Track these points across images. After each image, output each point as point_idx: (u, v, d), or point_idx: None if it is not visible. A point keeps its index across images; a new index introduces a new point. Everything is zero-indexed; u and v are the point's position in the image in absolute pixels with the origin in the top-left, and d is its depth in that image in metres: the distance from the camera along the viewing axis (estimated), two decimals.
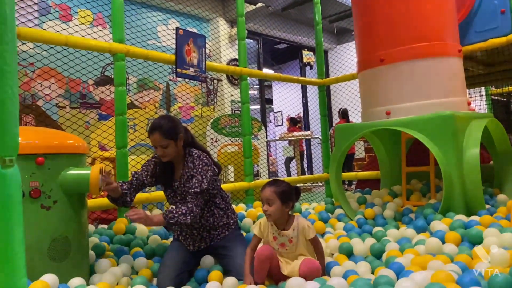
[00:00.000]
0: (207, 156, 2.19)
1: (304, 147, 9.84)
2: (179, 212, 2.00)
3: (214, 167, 2.19)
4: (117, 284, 1.98)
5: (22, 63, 5.33)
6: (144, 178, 2.22)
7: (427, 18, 3.06)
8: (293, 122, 9.76)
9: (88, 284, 1.91)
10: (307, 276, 1.75)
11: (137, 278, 1.94)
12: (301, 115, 11.34)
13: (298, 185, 6.99)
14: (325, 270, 2.00)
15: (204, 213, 2.19)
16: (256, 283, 1.86)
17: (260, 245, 2.00)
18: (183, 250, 2.19)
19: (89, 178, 1.91)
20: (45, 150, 1.86)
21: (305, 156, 9.83)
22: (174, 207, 2.06)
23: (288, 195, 1.91)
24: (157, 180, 2.26)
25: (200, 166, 2.12)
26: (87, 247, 2.10)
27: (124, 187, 2.16)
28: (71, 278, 1.85)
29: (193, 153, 2.17)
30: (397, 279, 1.65)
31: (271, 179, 2.03)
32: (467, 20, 3.82)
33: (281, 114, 11.86)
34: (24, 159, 1.79)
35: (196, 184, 2.07)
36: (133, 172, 2.25)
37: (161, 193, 2.98)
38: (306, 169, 9.49)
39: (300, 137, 9.09)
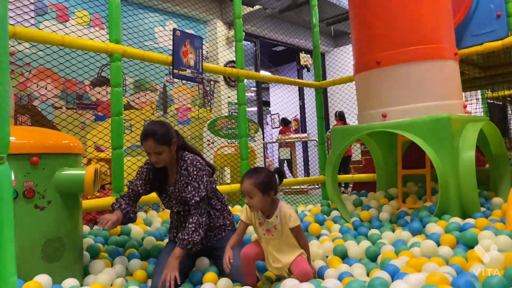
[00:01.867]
0: (200, 160, 2.16)
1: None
2: (190, 232, 2.00)
3: (208, 169, 2.19)
4: (111, 285, 1.96)
5: (18, 63, 5.31)
6: (139, 188, 2.19)
7: (424, 21, 3.07)
8: (285, 123, 9.80)
9: (81, 285, 1.90)
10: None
11: (130, 282, 1.93)
12: (298, 117, 11.35)
13: (295, 186, 7.00)
14: (312, 266, 1.96)
15: None
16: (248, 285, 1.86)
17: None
18: None
19: (84, 178, 1.90)
20: (39, 150, 1.84)
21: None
22: (183, 231, 2.04)
23: (268, 184, 1.84)
24: (152, 187, 2.24)
25: (195, 172, 2.10)
26: (81, 248, 2.09)
27: (123, 206, 2.14)
28: (64, 279, 1.83)
29: (186, 158, 2.14)
30: (392, 281, 1.65)
31: (249, 170, 1.95)
32: (463, 24, 3.84)
33: (278, 116, 11.87)
34: (18, 159, 1.78)
35: (193, 193, 2.06)
36: (128, 183, 2.23)
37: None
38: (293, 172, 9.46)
39: (297, 139, 9.11)
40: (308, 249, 1.94)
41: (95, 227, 1.98)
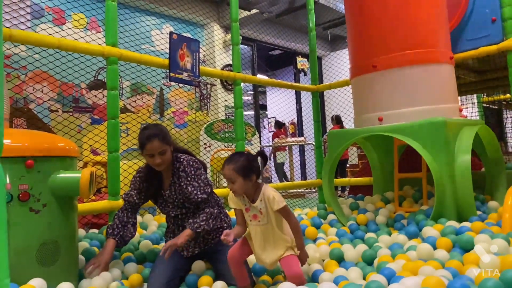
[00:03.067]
0: (196, 160, 2.20)
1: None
2: (201, 220, 2.04)
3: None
4: None
5: (13, 65, 5.30)
6: (135, 198, 2.19)
7: (420, 25, 3.08)
8: (278, 125, 9.82)
9: None
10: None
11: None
12: (295, 121, 11.36)
13: (291, 190, 6.99)
14: (304, 251, 1.90)
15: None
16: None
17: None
18: (175, 256, 2.17)
19: (80, 181, 1.89)
20: (35, 153, 1.83)
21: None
22: (194, 218, 2.06)
23: (248, 168, 1.82)
24: (147, 196, 2.23)
25: (192, 172, 2.13)
26: (76, 252, 2.07)
27: (116, 231, 2.13)
28: (59, 283, 1.82)
29: (182, 159, 2.16)
30: (388, 285, 1.65)
31: (229, 155, 1.93)
32: (459, 28, 3.86)
33: (275, 120, 11.89)
34: (13, 162, 1.77)
35: (196, 192, 2.09)
36: (124, 195, 2.22)
37: None
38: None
39: (293, 143, 9.11)
40: (299, 231, 1.88)
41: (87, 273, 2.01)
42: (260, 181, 1.91)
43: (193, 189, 2.09)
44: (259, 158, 1.95)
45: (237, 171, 1.80)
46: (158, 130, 2.08)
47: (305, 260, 1.90)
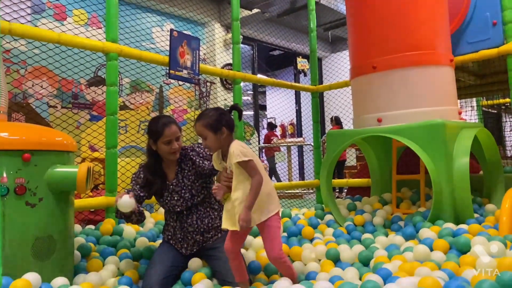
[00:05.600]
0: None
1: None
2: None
3: None
4: (101, 285, 1.94)
5: (13, 60, 5.28)
6: (139, 191, 2.16)
7: (420, 27, 3.08)
8: (271, 127, 9.79)
9: (71, 284, 1.88)
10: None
11: (122, 278, 1.91)
12: (294, 121, 11.36)
13: (289, 191, 6.99)
14: (248, 213, 1.74)
15: (201, 213, 2.19)
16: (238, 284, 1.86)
17: None
18: (173, 253, 2.17)
19: (77, 176, 1.89)
20: (32, 146, 1.83)
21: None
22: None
23: (218, 122, 1.81)
24: (151, 191, 2.21)
25: (202, 150, 2.22)
26: (72, 247, 2.07)
27: (137, 192, 2.11)
28: (54, 278, 1.81)
29: (186, 148, 2.24)
30: (384, 285, 1.65)
31: (200, 112, 1.92)
32: (460, 31, 3.86)
33: (274, 121, 11.88)
34: (10, 155, 1.77)
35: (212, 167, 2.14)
36: (127, 191, 2.21)
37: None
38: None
39: (292, 144, 9.11)
40: (255, 190, 1.74)
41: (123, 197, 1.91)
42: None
43: (209, 162, 2.15)
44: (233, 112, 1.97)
45: (206, 126, 1.82)
46: (171, 117, 2.19)
47: (245, 221, 1.73)
